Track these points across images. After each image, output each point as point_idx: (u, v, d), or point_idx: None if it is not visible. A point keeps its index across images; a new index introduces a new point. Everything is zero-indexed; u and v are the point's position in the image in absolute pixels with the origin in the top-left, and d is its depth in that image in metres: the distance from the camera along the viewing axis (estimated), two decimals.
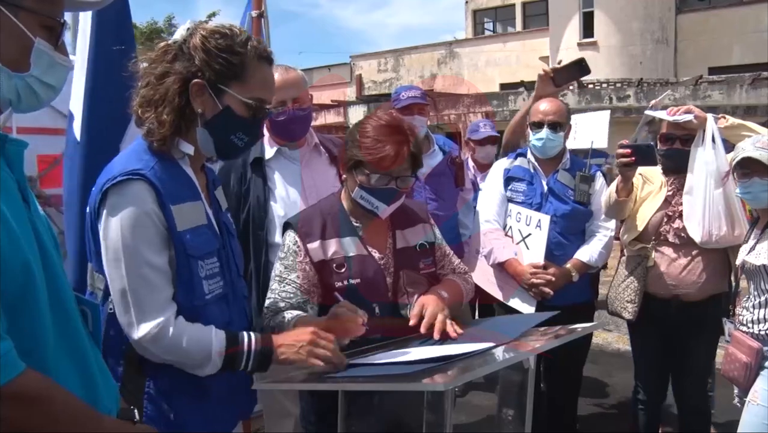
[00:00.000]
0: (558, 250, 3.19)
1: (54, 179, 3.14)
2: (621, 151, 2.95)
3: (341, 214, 2.14)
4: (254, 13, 4.14)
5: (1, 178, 1.17)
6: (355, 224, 2.14)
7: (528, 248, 3.18)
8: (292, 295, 2.04)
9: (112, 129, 2.57)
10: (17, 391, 1.08)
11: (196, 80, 1.62)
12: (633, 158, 2.92)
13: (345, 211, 2.15)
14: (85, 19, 2.63)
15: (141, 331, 1.55)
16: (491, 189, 3.37)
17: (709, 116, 2.97)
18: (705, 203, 2.91)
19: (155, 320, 1.55)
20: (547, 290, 3.07)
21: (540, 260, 3.13)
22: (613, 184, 3.07)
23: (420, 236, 2.21)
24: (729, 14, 22.90)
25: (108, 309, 1.62)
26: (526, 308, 3.16)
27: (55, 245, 1.31)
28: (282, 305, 2.03)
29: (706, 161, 2.90)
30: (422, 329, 1.95)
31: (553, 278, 3.09)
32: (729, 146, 2.91)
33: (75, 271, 2.65)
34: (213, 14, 27.29)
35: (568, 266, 3.17)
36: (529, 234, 3.18)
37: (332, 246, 2.08)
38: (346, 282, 2.04)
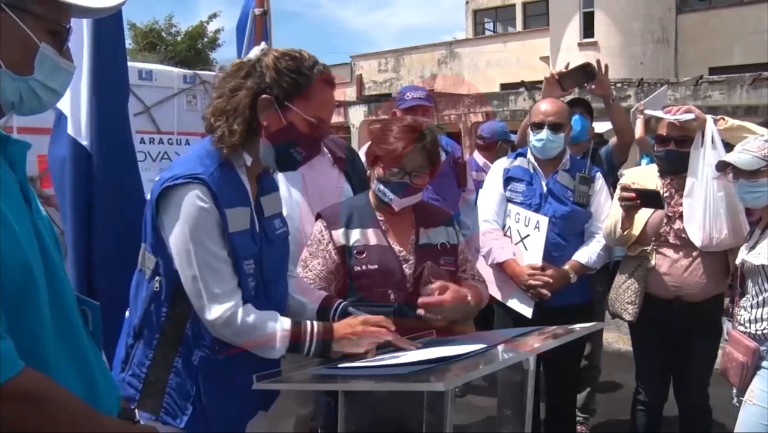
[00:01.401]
0: (556, 251, 3.18)
1: None
2: (625, 195, 2.95)
3: (368, 208, 2.32)
4: (257, 11, 4.14)
5: (2, 179, 1.18)
6: (379, 217, 2.30)
7: (526, 249, 3.18)
8: (311, 281, 2.19)
9: (122, 134, 2.75)
10: (16, 390, 1.08)
11: (264, 96, 1.76)
12: (638, 201, 2.92)
13: (371, 206, 2.33)
14: (79, 26, 2.65)
15: (213, 314, 1.72)
16: (490, 189, 3.37)
17: (709, 118, 2.96)
18: (705, 206, 2.91)
19: (225, 305, 1.72)
20: (544, 291, 3.06)
21: (538, 261, 3.13)
22: (616, 221, 3.05)
23: (443, 236, 2.34)
24: (729, 14, 22.89)
25: (154, 288, 1.79)
26: (524, 309, 3.16)
27: (57, 245, 1.32)
28: None
29: (707, 164, 2.90)
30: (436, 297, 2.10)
31: (551, 280, 3.08)
32: (729, 148, 2.91)
33: (75, 269, 2.67)
34: (214, 15, 27.42)
35: (567, 267, 3.16)
36: (528, 235, 3.17)
37: (355, 234, 2.24)
38: (364, 267, 2.20)
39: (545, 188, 3.24)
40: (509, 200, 3.29)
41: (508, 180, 3.31)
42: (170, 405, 1.79)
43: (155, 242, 1.77)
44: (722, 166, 2.71)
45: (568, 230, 3.23)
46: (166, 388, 1.79)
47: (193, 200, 1.69)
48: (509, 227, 3.27)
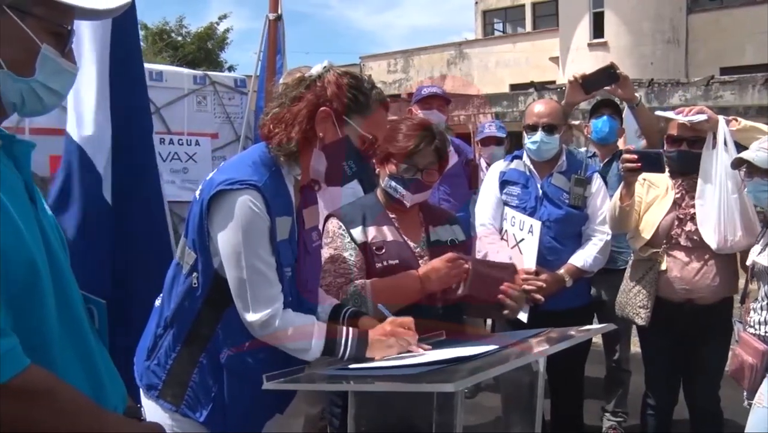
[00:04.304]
0: (551, 255, 3.13)
1: None
2: (627, 156, 2.92)
3: (378, 207, 2.37)
4: (271, 16, 4.18)
5: (8, 178, 1.19)
6: (391, 215, 2.35)
7: (521, 253, 3.13)
8: (349, 271, 2.22)
9: (137, 138, 2.83)
10: (21, 386, 1.10)
11: (324, 108, 1.82)
12: (639, 164, 2.88)
13: (381, 205, 2.37)
14: (94, 29, 2.69)
15: (253, 317, 1.77)
16: (487, 192, 3.33)
17: (721, 119, 2.93)
18: (719, 208, 2.87)
19: (266, 309, 1.77)
20: (538, 296, 3.01)
21: (532, 265, 3.07)
22: (616, 195, 3.04)
23: (450, 234, 2.41)
24: (741, 14, 22.75)
25: (191, 283, 1.83)
26: (520, 314, 3.12)
27: (62, 244, 1.33)
28: (341, 280, 2.21)
29: (719, 165, 2.87)
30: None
31: (544, 285, 3.03)
32: (741, 149, 2.88)
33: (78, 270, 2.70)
34: (224, 16, 27.45)
35: (562, 271, 3.11)
36: (523, 239, 3.13)
37: (372, 231, 2.28)
38: (385, 262, 2.24)
39: (540, 191, 3.19)
40: (505, 203, 3.25)
41: (503, 183, 3.27)
42: (192, 398, 1.84)
43: (199, 239, 1.80)
44: (738, 164, 2.69)
45: (564, 234, 3.18)
46: (189, 381, 1.84)
47: (248, 205, 1.73)
48: (506, 231, 3.23)
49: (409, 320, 1.91)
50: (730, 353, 2.99)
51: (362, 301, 2.15)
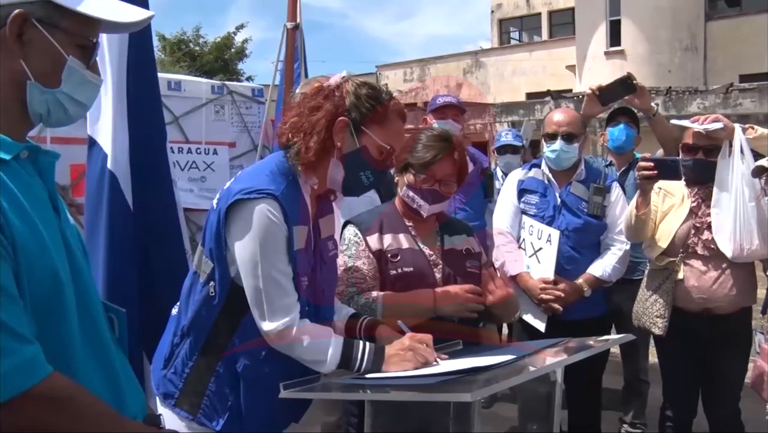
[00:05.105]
0: (569, 264, 3.12)
1: None
2: (643, 164, 2.90)
3: (396, 215, 2.40)
4: (289, 25, 4.23)
5: (33, 188, 1.22)
6: (407, 223, 2.37)
7: (539, 262, 3.13)
8: (362, 280, 2.24)
9: (152, 147, 2.86)
10: (44, 393, 1.11)
11: (342, 118, 1.83)
12: (655, 172, 2.87)
13: (399, 213, 2.40)
14: (111, 42, 2.74)
15: (269, 326, 1.77)
16: (505, 200, 3.34)
17: (737, 127, 2.91)
18: (735, 217, 2.84)
19: (282, 319, 1.76)
20: (556, 306, 3.01)
21: (550, 275, 3.07)
22: (633, 203, 3.02)
23: (465, 243, 2.42)
24: (760, 21, 22.48)
25: (208, 293, 1.83)
26: (538, 323, 3.11)
27: (85, 253, 1.35)
28: (353, 290, 2.23)
29: (735, 173, 2.85)
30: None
31: (563, 294, 3.03)
32: (758, 158, 2.85)
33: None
34: (241, 26, 27.70)
35: (580, 281, 3.10)
36: (541, 248, 3.12)
37: (387, 239, 2.31)
38: (400, 270, 2.26)
39: (559, 200, 3.18)
40: (523, 212, 3.25)
41: (522, 192, 3.27)
42: (208, 407, 1.84)
43: (216, 248, 1.80)
44: (759, 172, 2.67)
45: (582, 243, 3.17)
46: (206, 390, 1.84)
47: (265, 214, 1.73)
48: (524, 239, 3.23)
49: (428, 336, 1.90)
50: (750, 364, 2.95)
51: (372, 314, 2.15)
